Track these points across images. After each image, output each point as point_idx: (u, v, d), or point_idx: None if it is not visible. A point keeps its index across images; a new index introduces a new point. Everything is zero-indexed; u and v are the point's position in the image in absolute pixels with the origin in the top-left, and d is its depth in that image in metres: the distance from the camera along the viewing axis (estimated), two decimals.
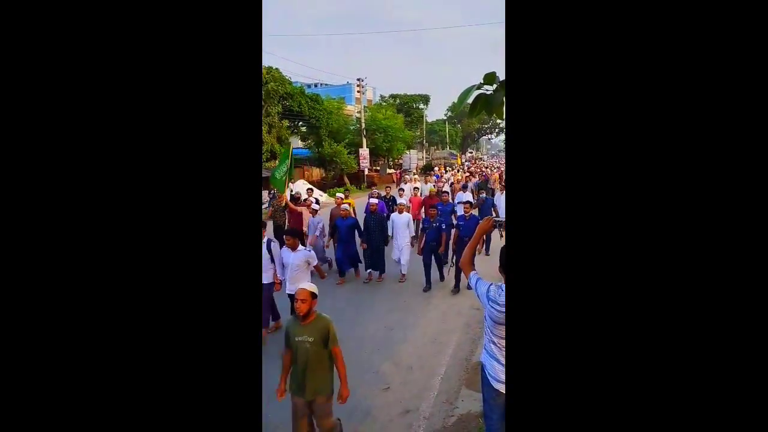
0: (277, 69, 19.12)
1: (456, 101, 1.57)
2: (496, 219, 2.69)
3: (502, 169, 22.75)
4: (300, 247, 4.73)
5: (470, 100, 1.56)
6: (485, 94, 1.51)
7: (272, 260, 4.67)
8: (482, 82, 1.50)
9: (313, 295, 2.74)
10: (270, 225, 7.39)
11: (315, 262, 4.79)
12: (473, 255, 2.56)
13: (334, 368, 2.79)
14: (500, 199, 9.02)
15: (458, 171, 25.51)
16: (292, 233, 4.85)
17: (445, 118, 48.80)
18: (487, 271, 2.66)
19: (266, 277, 4.67)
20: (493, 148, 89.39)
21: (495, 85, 1.49)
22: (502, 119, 1.64)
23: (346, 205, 7.88)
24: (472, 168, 27.41)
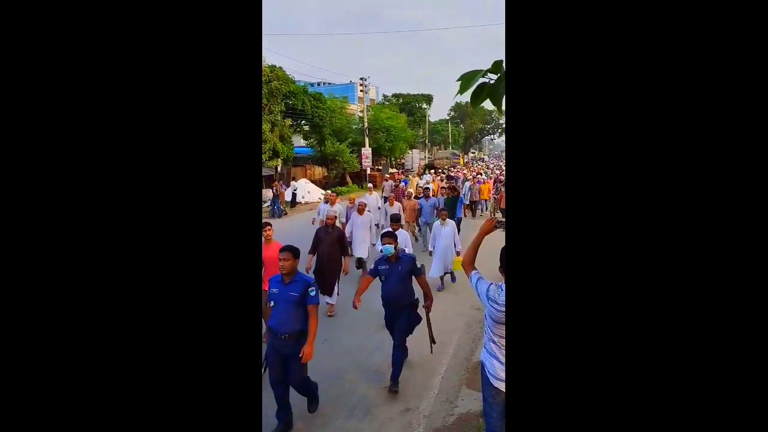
0: (280, 68, 19.13)
1: (460, 85, 1.43)
2: (499, 220, 2.69)
3: (499, 175, 18.29)
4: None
5: (473, 88, 1.44)
6: (489, 83, 1.44)
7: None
8: (489, 69, 1.42)
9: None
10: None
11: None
12: (474, 254, 2.57)
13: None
14: (446, 234, 6.34)
15: (442, 172, 20.94)
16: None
17: (448, 118, 48.75)
18: (485, 270, 2.67)
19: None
20: (495, 149, 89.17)
21: (499, 75, 1.42)
22: (500, 108, 1.56)
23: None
24: (453, 171, 20.95)
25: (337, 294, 5.72)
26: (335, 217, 5.86)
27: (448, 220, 6.65)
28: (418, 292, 3.98)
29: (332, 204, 7.49)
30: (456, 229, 6.78)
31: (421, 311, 4.01)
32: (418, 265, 3.98)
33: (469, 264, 2.56)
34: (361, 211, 7.08)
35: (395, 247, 3.93)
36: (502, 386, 2.38)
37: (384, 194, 11.75)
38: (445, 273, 6.68)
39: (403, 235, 5.71)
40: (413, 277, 3.95)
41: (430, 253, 6.65)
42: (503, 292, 2.33)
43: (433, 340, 4.13)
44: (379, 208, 9.43)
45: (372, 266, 4.13)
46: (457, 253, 6.44)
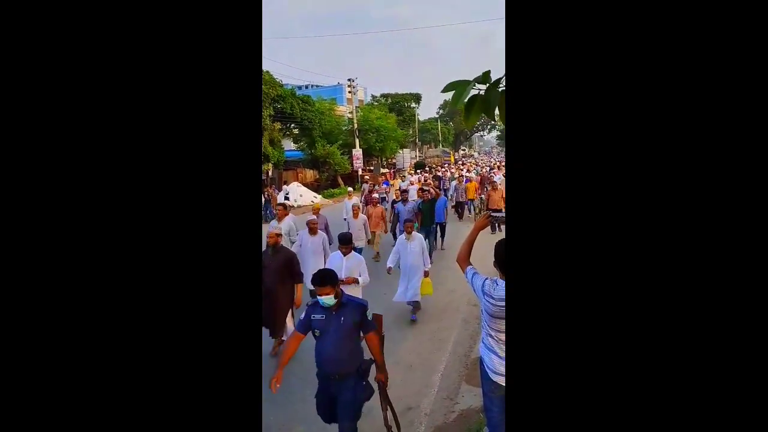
0: (267, 72, 19.08)
1: (450, 99, 1.42)
2: (493, 214, 2.69)
3: (487, 173, 17.18)
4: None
5: (465, 99, 1.39)
6: (480, 94, 1.40)
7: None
8: (477, 79, 1.38)
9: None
10: None
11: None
12: (469, 250, 2.57)
13: None
14: (412, 251, 5.28)
15: (428, 170, 19.73)
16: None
17: (437, 116, 48.92)
18: (479, 266, 2.68)
19: None
20: (486, 145, 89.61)
21: (488, 85, 1.38)
22: (493, 119, 1.53)
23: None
24: (440, 171, 19.72)
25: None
26: (278, 235, 4.53)
27: (415, 233, 5.46)
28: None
29: (279, 219, 5.74)
30: (425, 245, 5.49)
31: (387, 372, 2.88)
32: (369, 316, 2.76)
33: (465, 260, 2.57)
34: (312, 230, 5.48)
35: (336, 295, 2.64)
36: (501, 380, 2.39)
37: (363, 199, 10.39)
38: (410, 302, 5.41)
39: (356, 261, 4.47)
40: (362, 333, 2.72)
41: (389, 271, 5.40)
42: (498, 287, 2.34)
43: (389, 429, 2.90)
44: (345, 219, 8.17)
45: (302, 315, 2.77)
46: (426, 274, 5.32)
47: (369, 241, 7.61)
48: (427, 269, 5.38)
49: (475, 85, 1.39)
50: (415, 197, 8.86)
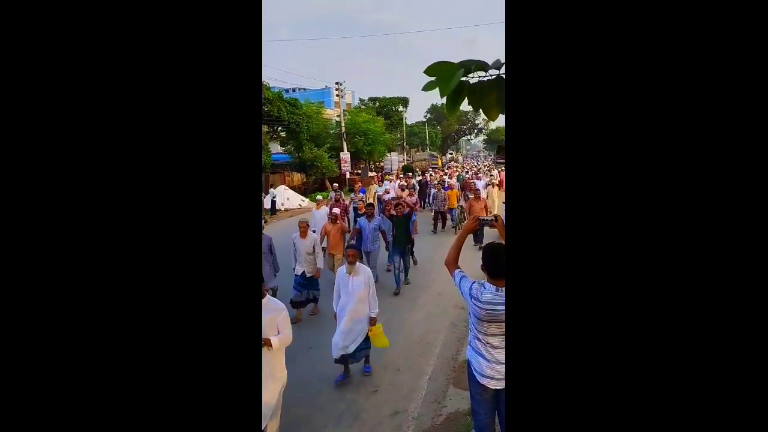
0: None
1: (439, 87, 1.24)
2: (483, 218, 2.71)
3: (471, 177, 15.28)
4: None
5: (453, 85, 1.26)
6: (467, 82, 1.31)
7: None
8: (464, 64, 1.27)
9: None
10: None
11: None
12: (458, 254, 2.59)
13: None
14: (354, 287, 3.98)
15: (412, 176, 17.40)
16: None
17: (425, 120, 49.15)
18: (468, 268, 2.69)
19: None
20: (473, 149, 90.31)
21: (474, 75, 1.29)
22: (477, 110, 1.43)
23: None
24: (423, 176, 17.10)
25: None
26: None
27: (359, 265, 4.12)
28: None
29: None
30: (372, 282, 4.15)
31: None
32: None
33: (453, 263, 2.58)
34: None
35: None
36: (488, 383, 2.40)
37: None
38: (346, 356, 4.02)
39: (271, 313, 2.93)
40: None
41: (336, 317, 4.13)
42: (485, 290, 2.36)
43: None
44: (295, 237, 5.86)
45: None
46: (373, 321, 4.08)
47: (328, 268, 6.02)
48: (373, 315, 4.08)
49: (461, 69, 1.26)
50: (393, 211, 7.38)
